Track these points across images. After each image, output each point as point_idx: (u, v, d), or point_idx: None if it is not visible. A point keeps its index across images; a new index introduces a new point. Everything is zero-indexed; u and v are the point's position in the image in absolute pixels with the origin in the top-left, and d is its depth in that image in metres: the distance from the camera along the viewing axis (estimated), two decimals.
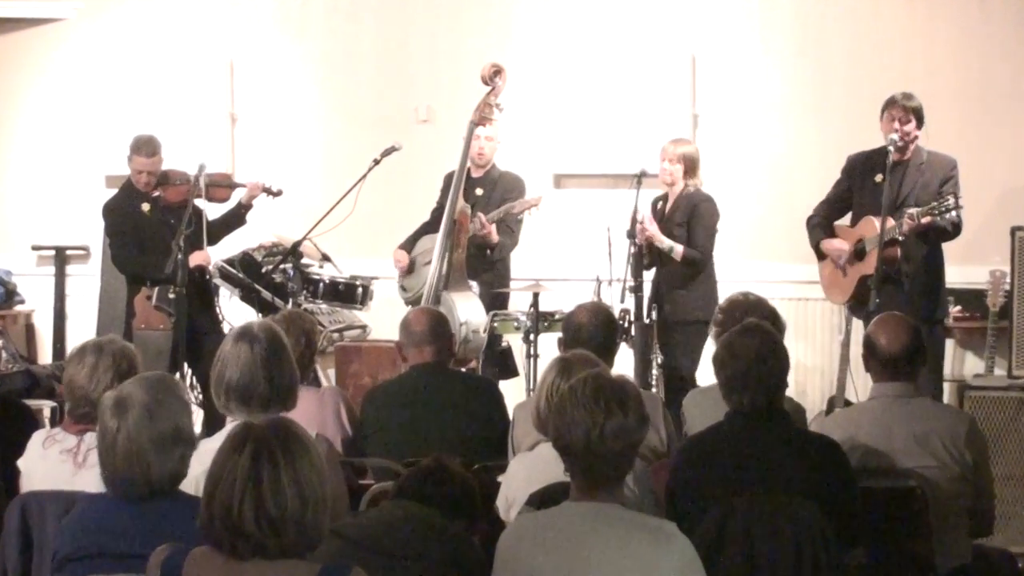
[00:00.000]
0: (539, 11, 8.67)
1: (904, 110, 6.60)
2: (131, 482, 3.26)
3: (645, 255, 7.15)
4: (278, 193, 7.61)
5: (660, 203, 7.32)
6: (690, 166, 7.22)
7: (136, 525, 3.24)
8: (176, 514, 3.18)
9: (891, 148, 6.55)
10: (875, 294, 6.28)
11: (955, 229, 6.57)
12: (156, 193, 7.30)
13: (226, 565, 2.72)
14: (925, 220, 6.44)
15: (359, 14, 8.93)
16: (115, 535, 3.25)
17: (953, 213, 6.42)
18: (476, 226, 7.22)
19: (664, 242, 7.10)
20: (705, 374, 7.22)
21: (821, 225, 6.93)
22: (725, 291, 6.49)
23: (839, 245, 6.82)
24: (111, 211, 7.42)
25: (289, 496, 2.67)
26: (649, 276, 7.28)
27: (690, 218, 7.16)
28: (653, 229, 7.09)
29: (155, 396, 3.30)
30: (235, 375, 3.88)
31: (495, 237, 7.32)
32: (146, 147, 7.34)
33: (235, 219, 7.63)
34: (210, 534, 2.71)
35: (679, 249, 7.10)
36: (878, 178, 6.67)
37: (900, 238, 6.50)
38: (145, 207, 7.30)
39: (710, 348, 5.40)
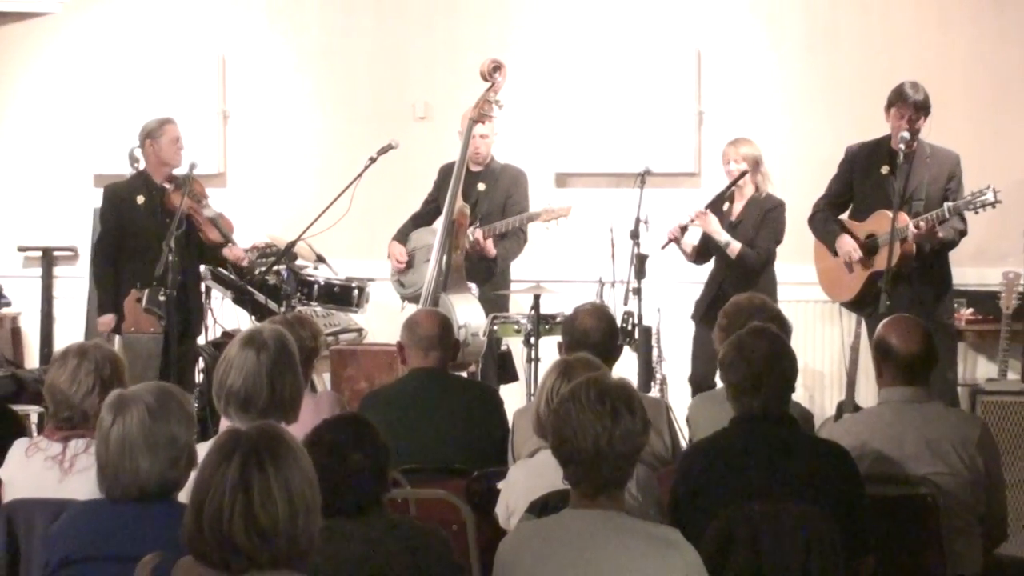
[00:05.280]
0: (539, 4, 8.69)
1: (915, 108, 6.62)
2: (121, 478, 3.31)
3: (683, 246, 7.24)
4: (244, 272, 7.52)
5: (727, 204, 7.31)
6: (754, 167, 7.23)
7: (131, 527, 3.28)
8: (171, 518, 3.19)
9: (902, 146, 6.58)
10: (886, 296, 6.28)
11: (960, 237, 6.65)
12: (169, 186, 7.26)
13: None
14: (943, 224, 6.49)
15: (354, 7, 8.95)
16: (109, 538, 3.29)
17: (990, 206, 6.45)
18: (471, 239, 7.21)
19: (722, 236, 7.11)
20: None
21: (833, 219, 6.94)
22: None
23: (850, 246, 6.82)
24: (109, 196, 7.40)
25: (279, 505, 2.66)
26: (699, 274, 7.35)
27: (759, 222, 7.19)
28: (713, 223, 7.11)
29: (160, 401, 3.35)
30: (237, 381, 3.92)
31: (492, 252, 7.32)
32: (166, 118, 7.34)
33: (213, 259, 7.57)
34: (198, 547, 2.70)
35: (736, 246, 7.10)
36: (884, 170, 6.69)
37: (909, 236, 6.52)
38: (140, 199, 7.28)
39: None
